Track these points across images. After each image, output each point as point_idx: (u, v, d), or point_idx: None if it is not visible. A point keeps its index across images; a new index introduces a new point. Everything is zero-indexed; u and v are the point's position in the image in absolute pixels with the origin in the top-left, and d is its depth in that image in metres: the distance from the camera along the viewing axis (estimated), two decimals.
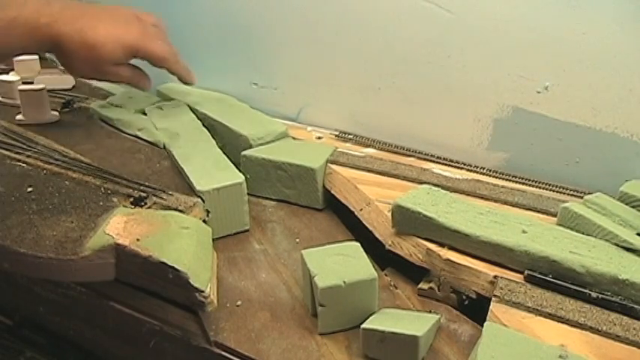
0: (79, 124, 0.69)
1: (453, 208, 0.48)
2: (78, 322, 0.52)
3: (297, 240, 0.55)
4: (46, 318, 0.55)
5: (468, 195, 0.55)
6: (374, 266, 0.43)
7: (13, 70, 0.81)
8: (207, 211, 0.52)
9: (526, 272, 0.43)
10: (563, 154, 0.60)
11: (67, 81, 0.82)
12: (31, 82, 0.73)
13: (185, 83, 0.67)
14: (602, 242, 0.45)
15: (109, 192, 0.51)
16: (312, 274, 0.42)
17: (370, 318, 0.41)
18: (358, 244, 0.46)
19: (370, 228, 0.53)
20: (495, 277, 0.43)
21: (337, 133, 0.71)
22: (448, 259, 0.45)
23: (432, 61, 0.63)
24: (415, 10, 0.62)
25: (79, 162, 0.57)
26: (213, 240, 0.48)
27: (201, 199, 0.51)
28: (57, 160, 0.57)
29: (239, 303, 0.45)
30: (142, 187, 0.52)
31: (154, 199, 0.50)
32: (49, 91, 0.70)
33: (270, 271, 0.50)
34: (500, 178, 0.60)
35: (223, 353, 0.41)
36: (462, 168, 0.62)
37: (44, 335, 0.59)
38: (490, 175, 0.61)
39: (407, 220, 0.48)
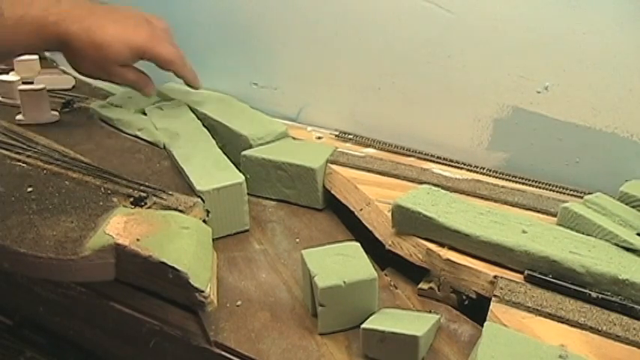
0: (79, 124, 0.69)
1: (453, 208, 0.48)
2: (78, 322, 0.52)
3: (297, 240, 0.55)
4: (46, 318, 0.55)
5: (468, 195, 0.55)
6: (374, 266, 0.43)
7: (13, 70, 0.81)
8: (207, 211, 0.52)
9: (526, 272, 0.43)
10: (563, 154, 0.60)
11: (67, 81, 0.82)
12: (31, 82, 0.73)
13: (191, 87, 0.68)
14: (602, 242, 0.45)
15: (109, 192, 0.51)
16: (312, 274, 0.42)
17: (370, 318, 0.41)
18: (358, 244, 0.46)
19: (370, 228, 0.53)
20: (495, 277, 0.43)
21: (337, 133, 0.71)
22: (448, 259, 0.45)
23: (432, 61, 0.63)
24: (415, 10, 0.62)
25: (79, 162, 0.57)
26: (213, 240, 0.48)
27: (201, 199, 0.51)
28: (57, 160, 0.57)
29: (239, 303, 0.45)
30: (142, 187, 0.52)
31: (154, 199, 0.50)
32: (49, 91, 0.70)
33: (270, 271, 0.50)
34: (500, 178, 0.60)
35: (223, 353, 0.41)
36: (462, 168, 0.62)
37: (44, 335, 0.59)
38: (490, 175, 0.61)
39: (407, 220, 0.48)
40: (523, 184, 0.59)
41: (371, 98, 0.69)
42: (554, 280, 0.42)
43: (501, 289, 0.42)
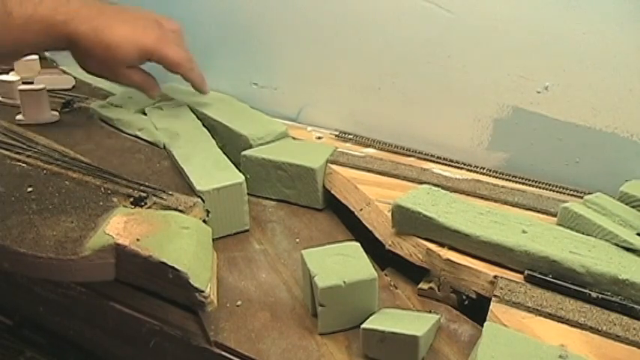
0: (79, 124, 0.69)
1: (453, 208, 0.48)
2: (78, 322, 0.52)
3: (297, 240, 0.55)
4: (46, 318, 0.55)
5: (468, 195, 0.55)
6: (374, 266, 0.43)
7: (13, 70, 0.81)
8: (207, 211, 0.52)
9: (526, 272, 0.43)
10: (563, 154, 0.60)
11: (67, 81, 0.82)
12: (31, 82, 0.73)
13: (198, 91, 0.68)
14: (602, 242, 0.45)
15: (109, 192, 0.51)
16: (312, 274, 0.42)
17: (370, 318, 0.41)
18: (358, 244, 0.46)
19: (370, 228, 0.53)
20: (495, 277, 0.43)
21: (337, 133, 0.71)
22: (448, 259, 0.45)
23: (432, 61, 0.63)
24: (415, 10, 0.62)
25: (79, 162, 0.57)
26: (213, 240, 0.48)
27: (201, 199, 0.51)
28: (57, 160, 0.57)
29: (239, 303, 0.45)
30: (142, 187, 0.52)
31: (154, 199, 0.50)
32: (49, 91, 0.70)
33: (270, 271, 0.50)
34: (500, 178, 0.60)
35: (223, 353, 0.41)
36: (462, 168, 0.62)
37: (44, 335, 0.59)
38: (490, 175, 0.61)
39: (407, 220, 0.48)
40: (523, 184, 0.59)
41: (371, 98, 0.69)
42: (554, 280, 0.42)
43: (501, 289, 0.42)
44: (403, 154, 0.65)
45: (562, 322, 0.39)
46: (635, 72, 0.54)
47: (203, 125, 0.66)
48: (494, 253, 0.44)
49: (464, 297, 0.46)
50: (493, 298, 0.41)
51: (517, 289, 0.42)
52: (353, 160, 0.61)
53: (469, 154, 0.64)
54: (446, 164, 0.63)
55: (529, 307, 0.40)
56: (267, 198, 0.62)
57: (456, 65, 0.62)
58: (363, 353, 0.40)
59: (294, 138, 0.67)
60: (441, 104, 0.65)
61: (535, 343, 0.36)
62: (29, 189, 0.51)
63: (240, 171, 0.55)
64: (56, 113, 0.70)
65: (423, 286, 0.47)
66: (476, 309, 0.44)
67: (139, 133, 0.65)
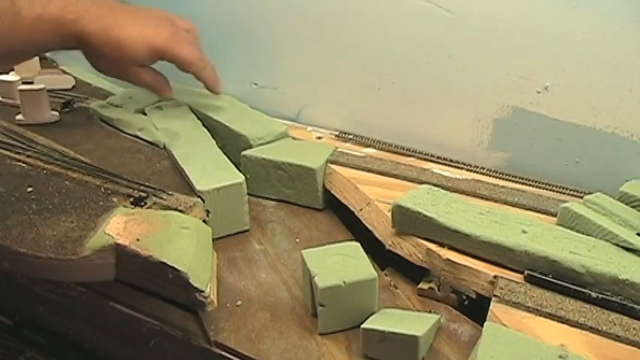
0: (79, 124, 0.69)
1: (453, 208, 0.48)
2: (78, 322, 0.52)
3: (297, 240, 0.55)
4: (46, 318, 0.55)
5: (468, 195, 0.55)
6: (374, 266, 0.43)
7: (13, 70, 0.81)
8: (207, 211, 0.52)
9: (526, 272, 0.43)
10: (563, 154, 0.60)
11: (67, 81, 0.82)
12: (31, 82, 0.73)
13: (210, 91, 0.66)
14: (602, 242, 0.45)
15: (109, 192, 0.51)
16: (312, 274, 0.42)
17: (370, 318, 0.41)
18: (358, 244, 0.46)
19: (370, 228, 0.53)
20: (495, 277, 0.43)
21: (337, 133, 0.71)
22: (448, 259, 0.45)
23: (432, 61, 0.63)
24: (415, 10, 0.62)
25: (79, 162, 0.57)
26: (213, 240, 0.48)
27: (201, 199, 0.51)
28: (57, 160, 0.57)
29: (239, 303, 0.45)
30: (142, 187, 0.52)
31: (154, 199, 0.50)
32: (49, 91, 0.70)
33: (270, 271, 0.50)
34: (500, 178, 0.60)
35: (223, 353, 0.41)
36: (462, 168, 0.62)
37: (44, 335, 0.59)
38: (490, 175, 0.61)
39: (407, 220, 0.48)
40: (523, 184, 0.59)
41: (371, 98, 0.69)
42: (554, 280, 0.42)
43: (501, 289, 0.42)
44: (403, 154, 0.65)
45: (562, 322, 0.39)
46: (635, 72, 0.54)
47: (203, 125, 0.66)
48: (494, 253, 0.44)
49: (464, 297, 0.46)
50: (493, 298, 0.41)
51: (517, 289, 0.42)
52: (353, 160, 0.61)
53: (469, 154, 0.64)
54: (446, 164, 0.63)
55: (529, 307, 0.40)
56: (267, 198, 0.62)
57: (456, 65, 0.62)
58: (363, 353, 0.40)
59: (294, 138, 0.67)
60: (441, 104, 0.65)
61: (535, 343, 0.36)
62: (29, 189, 0.51)
63: (240, 171, 0.55)
64: (56, 113, 0.70)
65: (423, 286, 0.47)
66: (476, 309, 0.44)
67: (139, 133, 0.65)
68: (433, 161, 0.64)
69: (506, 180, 0.60)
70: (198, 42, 0.65)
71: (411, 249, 0.48)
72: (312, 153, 0.61)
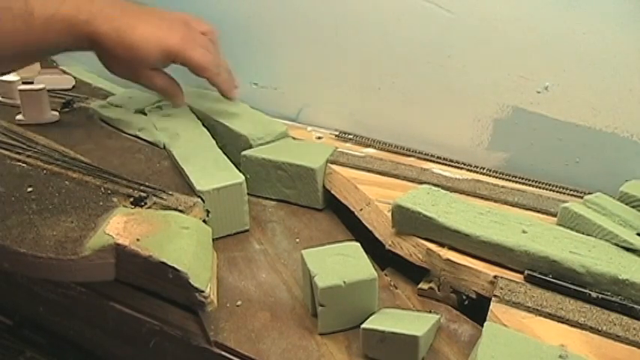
0: (79, 124, 0.69)
1: (453, 208, 0.48)
2: (78, 322, 0.52)
3: (297, 240, 0.55)
4: (46, 318, 0.55)
5: (468, 195, 0.55)
6: (374, 266, 0.43)
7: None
8: (207, 211, 0.52)
9: (526, 272, 0.43)
10: (563, 154, 0.60)
11: (67, 81, 0.82)
12: (31, 82, 0.73)
13: (225, 97, 0.65)
14: (602, 242, 0.45)
15: (109, 192, 0.51)
16: (312, 274, 0.42)
17: (370, 318, 0.41)
18: (358, 244, 0.46)
19: (370, 228, 0.53)
20: (495, 277, 0.43)
21: (337, 133, 0.71)
22: (448, 259, 0.45)
23: (432, 61, 0.63)
24: (415, 10, 0.62)
25: (79, 162, 0.57)
26: (213, 240, 0.48)
27: (201, 199, 0.51)
28: (57, 160, 0.57)
29: (239, 303, 0.45)
30: (142, 187, 0.52)
31: (154, 199, 0.50)
32: (49, 91, 0.70)
33: (270, 271, 0.50)
34: (500, 178, 0.60)
35: (223, 353, 0.41)
36: (462, 168, 0.62)
37: (44, 335, 0.59)
38: (490, 175, 0.61)
39: (407, 220, 0.48)
40: (523, 184, 0.59)
41: (371, 98, 0.69)
42: (554, 280, 0.42)
43: (501, 289, 0.42)
44: (403, 154, 0.65)
45: (562, 322, 0.39)
46: (635, 72, 0.54)
47: (203, 125, 0.66)
48: (494, 253, 0.44)
49: (464, 297, 0.46)
50: (493, 298, 0.41)
51: (517, 289, 0.42)
52: (353, 160, 0.61)
53: (469, 154, 0.64)
54: (446, 164, 0.63)
55: (529, 307, 0.40)
56: (267, 198, 0.62)
57: (456, 65, 0.62)
58: (363, 353, 0.40)
59: (294, 138, 0.67)
60: (441, 104, 0.65)
61: (535, 343, 0.36)
62: (29, 189, 0.51)
63: (240, 171, 0.55)
64: (56, 113, 0.70)
65: (423, 286, 0.47)
66: (476, 309, 0.44)
67: (139, 133, 0.65)
68: (433, 161, 0.64)
69: (506, 180, 0.60)
70: (215, 45, 0.63)
71: (411, 249, 0.48)
72: (312, 153, 0.61)
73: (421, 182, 0.56)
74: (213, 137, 0.63)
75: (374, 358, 0.40)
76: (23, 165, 0.56)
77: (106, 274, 0.43)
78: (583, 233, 0.46)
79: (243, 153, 0.61)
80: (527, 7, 0.56)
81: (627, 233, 0.45)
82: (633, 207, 0.50)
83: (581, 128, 0.58)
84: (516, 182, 0.59)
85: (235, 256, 0.52)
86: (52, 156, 0.58)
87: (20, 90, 0.68)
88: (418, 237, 0.48)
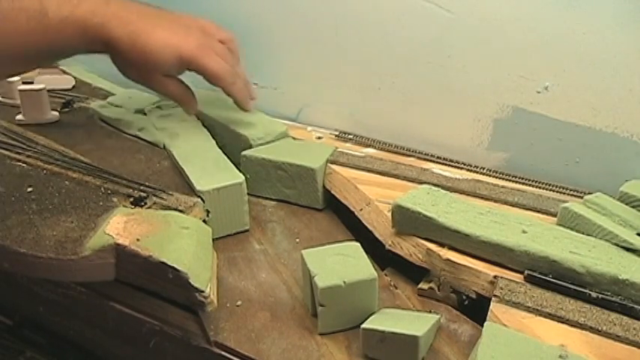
0: (79, 124, 0.69)
1: (453, 208, 0.48)
2: (78, 322, 0.52)
3: (297, 240, 0.55)
4: (46, 318, 0.55)
5: (468, 195, 0.55)
6: (374, 266, 0.43)
7: None
8: (207, 211, 0.52)
9: (526, 272, 0.43)
10: (563, 154, 0.60)
11: (67, 81, 0.82)
12: (31, 82, 0.73)
13: (240, 108, 0.63)
14: (602, 242, 0.45)
15: (109, 192, 0.51)
16: (312, 274, 0.42)
17: (370, 318, 0.41)
18: (358, 244, 0.46)
19: (370, 228, 0.53)
20: (495, 277, 0.43)
21: (337, 133, 0.71)
22: (448, 259, 0.45)
23: (432, 61, 0.63)
24: (415, 10, 0.62)
25: (79, 162, 0.57)
26: (213, 240, 0.48)
27: (201, 199, 0.51)
28: (57, 160, 0.57)
29: (239, 303, 0.45)
30: (142, 187, 0.52)
31: (154, 199, 0.50)
32: (49, 91, 0.70)
33: (270, 271, 0.50)
34: (500, 178, 0.60)
35: (223, 353, 0.41)
36: (462, 168, 0.62)
37: (44, 335, 0.59)
38: (490, 175, 0.61)
39: (407, 220, 0.48)
40: (523, 184, 0.59)
41: (371, 98, 0.69)
42: (554, 280, 0.42)
43: (501, 289, 0.42)
44: (403, 154, 0.65)
45: (562, 322, 0.39)
46: (635, 72, 0.54)
47: (203, 125, 0.66)
48: (494, 253, 0.44)
49: (464, 297, 0.46)
50: (493, 298, 0.41)
51: (517, 289, 0.42)
52: (353, 160, 0.61)
53: (469, 154, 0.64)
54: (446, 164, 0.63)
55: (529, 307, 0.40)
56: (267, 198, 0.62)
57: (456, 65, 0.62)
58: (363, 353, 0.40)
59: (294, 138, 0.67)
60: (441, 104, 0.65)
61: (535, 343, 0.36)
62: (29, 189, 0.51)
63: (240, 171, 0.55)
64: (56, 113, 0.70)
65: (423, 286, 0.47)
66: (476, 309, 0.44)
67: (139, 133, 0.65)
68: (433, 161, 0.64)
69: (506, 180, 0.60)
70: (233, 54, 0.61)
71: (411, 249, 0.48)
72: (312, 153, 0.61)
73: (421, 182, 0.56)
74: (213, 137, 0.63)
75: (374, 358, 0.40)
76: (23, 165, 0.56)
77: (106, 274, 0.43)
78: (583, 233, 0.46)
79: (243, 153, 0.61)
80: (527, 7, 0.56)
81: (627, 233, 0.45)
82: (633, 207, 0.50)
83: (581, 128, 0.58)
84: (516, 182, 0.59)
85: (235, 256, 0.52)
86: (52, 156, 0.58)
87: (20, 90, 0.68)
88: (418, 237, 0.48)
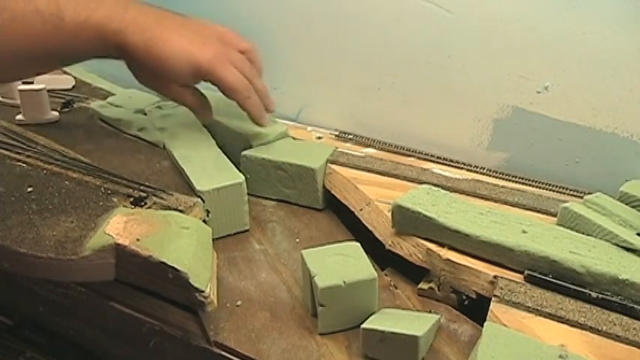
0: (79, 124, 0.69)
1: (453, 208, 0.48)
2: (78, 322, 0.52)
3: (297, 240, 0.55)
4: (46, 318, 0.55)
5: (468, 195, 0.55)
6: (374, 266, 0.43)
7: None
8: (207, 211, 0.52)
9: (526, 272, 0.43)
10: (563, 154, 0.60)
11: (67, 81, 0.82)
12: (31, 82, 0.73)
13: (255, 123, 0.60)
14: (602, 242, 0.45)
15: (109, 192, 0.51)
16: (312, 274, 0.42)
17: (370, 318, 0.41)
18: (358, 244, 0.46)
19: (370, 228, 0.53)
20: (495, 277, 0.43)
21: (337, 133, 0.71)
22: (448, 259, 0.45)
23: (432, 61, 0.63)
24: (415, 10, 0.62)
25: (79, 162, 0.57)
26: (213, 240, 0.48)
27: (201, 199, 0.51)
28: (57, 160, 0.57)
29: (239, 303, 0.45)
30: (142, 187, 0.52)
31: (154, 199, 0.50)
32: (49, 91, 0.70)
33: (270, 271, 0.50)
34: (500, 178, 0.60)
35: (223, 353, 0.41)
36: (462, 168, 0.62)
37: (44, 335, 0.59)
38: (490, 175, 0.61)
39: (407, 220, 0.48)
40: (523, 184, 0.59)
41: (371, 98, 0.69)
42: (554, 280, 0.42)
43: (501, 289, 0.42)
44: (403, 154, 0.65)
45: (562, 322, 0.39)
46: (635, 72, 0.54)
47: (203, 125, 0.66)
48: (494, 253, 0.44)
49: (464, 297, 0.46)
50: (493, 298, 0.41)
51: (517, 289, 0.42)
52: (353, 160, 0.61)
53: (469, 154, 0.64)
54: (446, 164, 0.63)
55: (529, 307, 0.40)
56: (267, 198, 0.62)
57: (456, 65, 0.62)
58: (363, 353, 0.40)
59: (294, 138, 0.67)
60: (441, 104, 0.65)
61: (535, 343, 0.36)
62: (29, 189, 0.51)
63: (240, 171, 0.55)
64: (56, 113, 0.70)
65: (423, 286, 0.47)
66: (476, 309, 0.44)
67: (139, 133, 0.65)
68: (433, 161, 0.64)
69: (506, 180, 0.60)
70: (254, 65, 0.59)
71: (411, 249, 0.48)
72: (312, 153, 0.61)
73: (421, 182, 0.56)
74: (213, 137, 0.63)
75: (374, 358, 0.40)
76: (23, 165, 0.56)
77: (106, 274, 0.43)
78: (583, 233, 0.46)
79: (243, 153, 0.61)
80: (527, 7, 0.56)
81: (627, 233, 0.45)
82: (633, 207, 0.50)
83: (581, 128, 0.58)
84: (516, 182, 0.59)
85: (235, 256, 0.52)
86: (52, 156, 0.58)
87: (20, 90, 0.68)
88: (418, 237, 0.48)
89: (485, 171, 0.62)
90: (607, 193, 0.51)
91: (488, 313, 0.41)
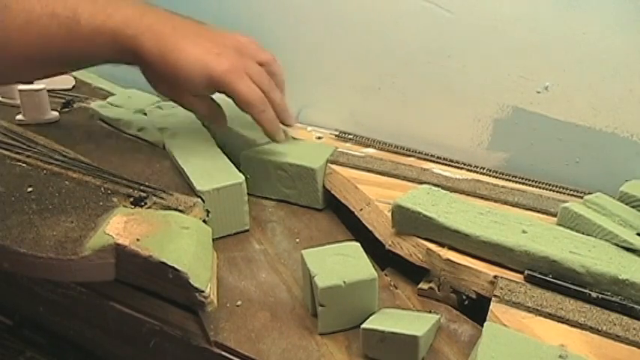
0: (79, 124, 0.69)
1: (453, 208, 0.48)
2: (78, 322, 0.52)
3: (297, 240, 0.55)
4: (46, 318, 0.55)
5: (468, 195, 0.55)
6: (374, 266, 0.43)
7: None
8: (207, 211, 0.52)
9: (526, 272, 0.43)
10: (563, 154, 0.60)
11: (67, 81, 0.82)
12: (31, 82, 0.73)
13: (269, 138, 0.59)
14: (602, 242, 0.45)
15: (109, 192, 0.51)
16: (312, 274, 0.42)
17: (370, 318, 0.41)
18: (358, 244, 0.46)
19: (370, 228, 0.53)
20: (495, 277, 0.43)
21: (337, 133, 0.71)
22: (448, 259, 0.45)
23: (432, 61, 0.63)
24: (415, 11, 0.62)
25: (79, 162, 0.57)
26: (213, 240, 0.48)
27: (201, 199, 0.51)
28: (57, 160, 0.57)
29: (239, 303, 0.45)
30: (142, 187, 0.52)
31: (154, 199, 0.50)
32: (49, 91, 0.70)
33: (270, 271, 0.50)
34: (500, 178, 0.60)
35: (223, 353, 0.41)
36: (462, 168, 0.62)
37: (44, 335, 0.59)
38: (490, 175, 0.61)
39: (407, 220, 0.48)
40: (523, 184, 0.59)
41: (371, 98, 0.69)
42: (554, 280, 0.42)
43: (501, 289, 0.42)
44: (403, 154, 0.65)
45: (562, 322, 0.39)
46: (635, 72, 0.54)
47: (203, 125, 0.66)
48: (494, 253, 0.44)
49: (464, 297, 0.46)
50: (493, 298, 0.41)
51: (517, 289, 0.42)
52: (353, 160, 0.61)
53: (469, 154, 0.64)
54: (446, 164, 0.63)
55: (529, 307, 0.40)
56: (267, 198, 0.62)
57: (456, 65, 0.62)
58: (363, 353, 0.40)
59: (294, 138, 0.67)
60: (441, 104, 0.65)
61: (535, 343, 0.36)
62: (29, 189, 0.51)
63: (240, 171, 0.55)
64: (56, 113, 0.70)
65: (423, 286, 0.47)
66: (476, 309, 0.44)
67: (139, 133, 0.65)
68: (433, 161, 0.64)
69: (506, 180, 0.60)
70: (273, 77, 0.58)
71: (411, 249, 0.48)
72: (312, 153, 0.61)
73: (421, 182, 0.56)
74: (213, 137, 0.63)
75: (374, 358, 0.40)
76: (23, 165, 0.56)
77: (106, 274, 0.43)
78: (583, 233, 0.46)
79: (243, 153, 0.61)
80: (527, 7, 0.56)
81: (627, 233, 0.45)
82: (633, 207, 0.50)
83: (581, 128, 0.58)
84: (516, 182, 0.59)
85: (235, 256, 0.52)
86: (52, 156, 0.58)
87: (20, 90, 0.68)
88: (418, 237, 0.48)
89: (485, 171, 0.62)
90: (607, 193, 0.51)
91: (488, 313, 0.41)
